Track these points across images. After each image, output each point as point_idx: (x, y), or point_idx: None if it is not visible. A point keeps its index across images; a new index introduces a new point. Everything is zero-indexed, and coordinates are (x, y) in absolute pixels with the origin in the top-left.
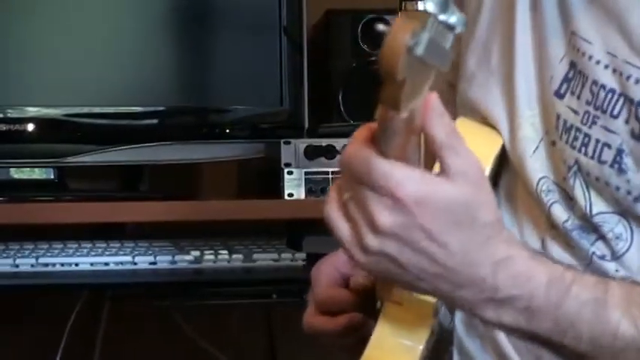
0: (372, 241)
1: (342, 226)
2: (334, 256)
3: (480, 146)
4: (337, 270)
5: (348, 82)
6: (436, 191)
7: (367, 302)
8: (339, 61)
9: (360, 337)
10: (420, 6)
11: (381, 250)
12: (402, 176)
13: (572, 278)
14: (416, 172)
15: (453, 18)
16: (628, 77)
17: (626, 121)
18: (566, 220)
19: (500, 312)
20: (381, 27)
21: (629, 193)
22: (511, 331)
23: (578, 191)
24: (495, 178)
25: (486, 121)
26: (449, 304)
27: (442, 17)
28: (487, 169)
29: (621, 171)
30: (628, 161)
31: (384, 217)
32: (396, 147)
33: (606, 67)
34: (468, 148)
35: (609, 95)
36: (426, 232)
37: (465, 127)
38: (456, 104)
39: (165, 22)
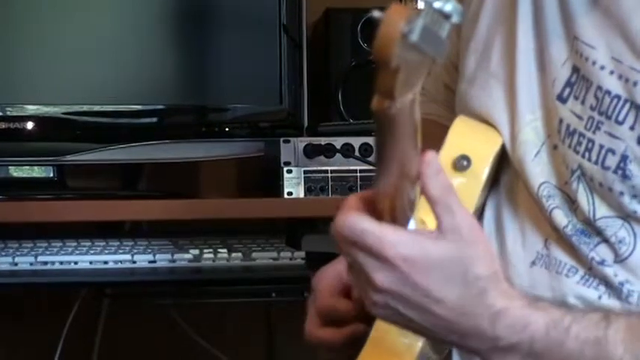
0: (375, 297)
1: (355, 285)
2: (336, 264)
3: (479, 145)
4: (339, 279)
5: (347, 81)
6: (426, 249)
7: (369, 312)
8: (338, 60)
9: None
10: (420, 4)
11: (385, 304)
12: (393, 239)
13: (571, 319)
14: (406, 233)
15: (449, 6)
16: (635, 84)
17: (632, 128)
18: (566, 226)
19: (508, 359)
20: (376, 14)
21: (634, 197)
22: None
23: (582, 195)
24: (496, 177)
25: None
26: (462, 351)
27: (437, 5)
28: (486, 170)
29: (625, 177)
30: (632, 167)
31: (379, 277)
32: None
33: (611, 72)
34: (462, 205)
35: (614, 101)
36: (420, 289)
37: (465, 125)
38: (455, 106)
39: (165, 20)
